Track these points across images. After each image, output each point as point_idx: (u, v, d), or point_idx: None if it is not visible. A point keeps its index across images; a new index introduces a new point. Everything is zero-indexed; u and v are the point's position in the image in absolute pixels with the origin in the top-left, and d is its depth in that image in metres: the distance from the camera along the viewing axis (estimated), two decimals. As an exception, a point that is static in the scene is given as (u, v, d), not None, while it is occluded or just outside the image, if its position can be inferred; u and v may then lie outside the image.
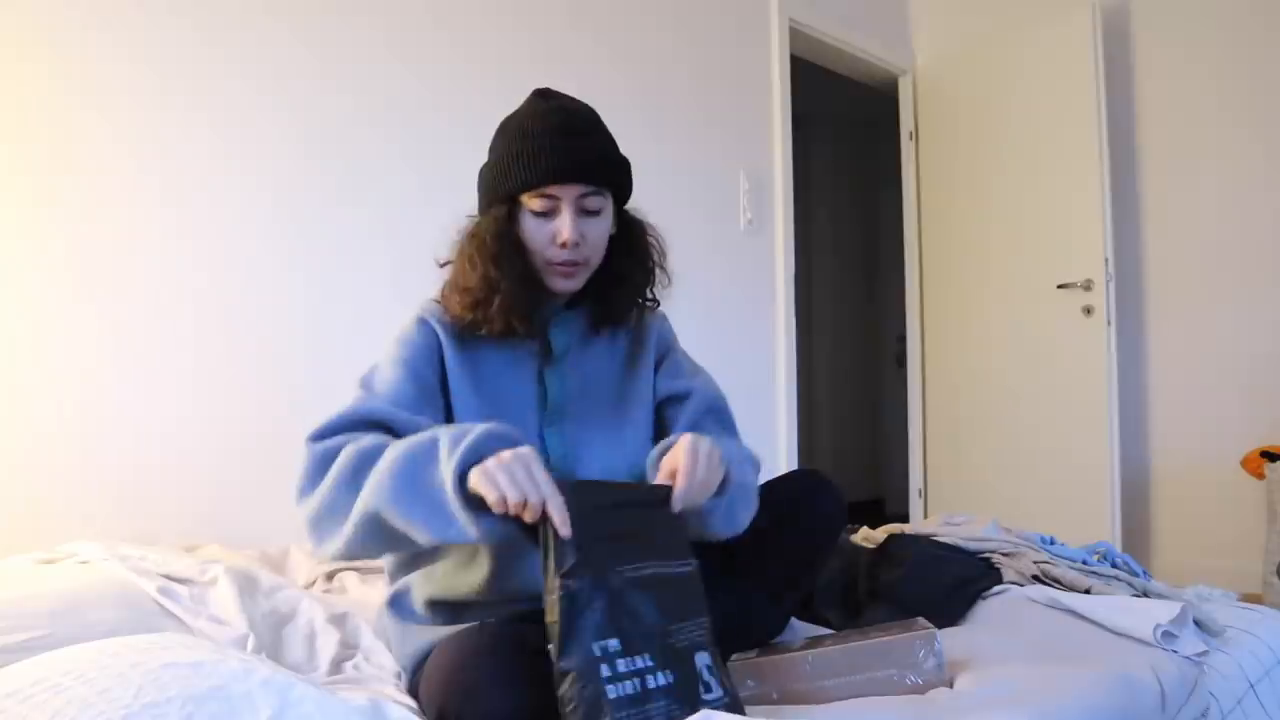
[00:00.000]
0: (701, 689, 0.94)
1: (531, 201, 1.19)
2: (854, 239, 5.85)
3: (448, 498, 0.96)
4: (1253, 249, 3.22)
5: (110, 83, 1.91)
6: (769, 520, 1.25)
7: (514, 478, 0.93)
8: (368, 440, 1.07)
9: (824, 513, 1.30)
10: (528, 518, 0.93)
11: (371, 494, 1.00)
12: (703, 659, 0.96)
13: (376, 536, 1.02)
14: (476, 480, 0.94)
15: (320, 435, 1.13)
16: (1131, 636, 1.31)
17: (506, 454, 0.95)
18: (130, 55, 1.93)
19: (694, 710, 0.91)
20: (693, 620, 0.98)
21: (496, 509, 0.94)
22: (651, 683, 0.90)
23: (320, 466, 1.10)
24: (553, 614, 0.91)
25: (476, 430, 0.99)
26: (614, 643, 0.91)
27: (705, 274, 3.07)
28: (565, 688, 0.89)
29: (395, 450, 1.02)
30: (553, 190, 1.18)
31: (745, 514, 1.18)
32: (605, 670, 0.89)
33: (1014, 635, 1.36)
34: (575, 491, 0.96)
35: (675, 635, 0.95)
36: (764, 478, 1.36)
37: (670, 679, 0.92)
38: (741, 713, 0.97)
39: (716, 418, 1.33)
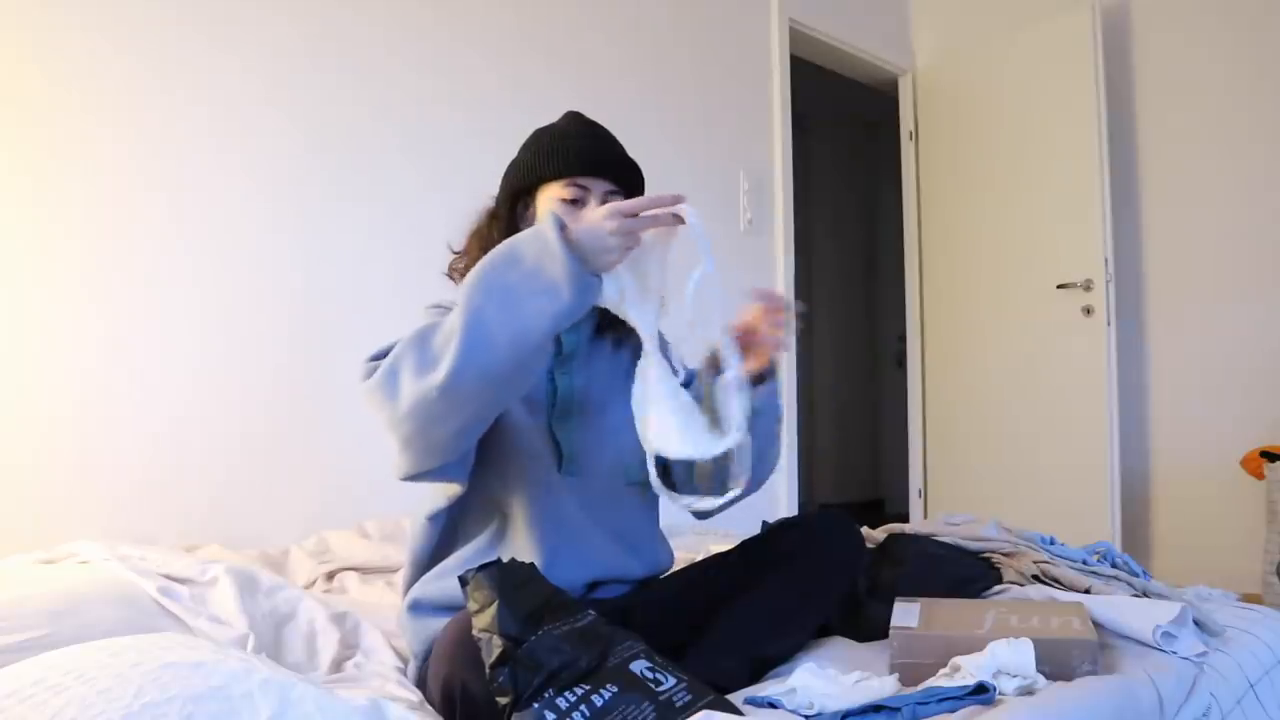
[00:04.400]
0: (653, 685, 0.95)
1: (562, 190, 1.27)
2: (854, 239, 5.85)
3: (554, 253, 1.02)
4: (1253, 249, 3.22)
5: (111, 80, 1.90)
6: (783, 556, 1.28)
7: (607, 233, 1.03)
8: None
9: (841, 553, 1.33)
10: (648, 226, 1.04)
11: (467, 306, 1.04)
12: (639, 665, 0.97)
13: (481, 336, 1.03)
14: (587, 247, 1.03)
15: (374, 356, 1.14)
16: (1131, 637, 1.31)
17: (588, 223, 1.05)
18: (131, 53, 1.93)
19: (654, 703, 0.92)
20: (618, 646, 0.99)
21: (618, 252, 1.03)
22: (599, 700, 0.91)
23: (377, 360, 1.11)
24: (504, 697, 0.92)
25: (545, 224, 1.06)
26: (549, 690, 0.91)
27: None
28: None
29: (474, 272, 1.07)
30: (584, 181, 1.27)
31: (775, 426, 1.29)
32: (550, 716, 0.89)
33: (1014, 635, 1.35)
34: (497, 574, 0.99)
35: (607, 662, 0.96)
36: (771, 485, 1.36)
37: (614, 689, 0.93)
38: (708, 689, 0.99)
39: None
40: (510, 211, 1.32)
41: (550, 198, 1.27)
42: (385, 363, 1.08)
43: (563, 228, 1.04)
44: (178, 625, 1.27)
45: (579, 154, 1.27)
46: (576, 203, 1.27)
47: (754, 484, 1.31)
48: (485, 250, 1.26)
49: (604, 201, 1.26)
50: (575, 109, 1.39)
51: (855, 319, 5.84)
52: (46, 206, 1.82)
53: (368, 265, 2.26)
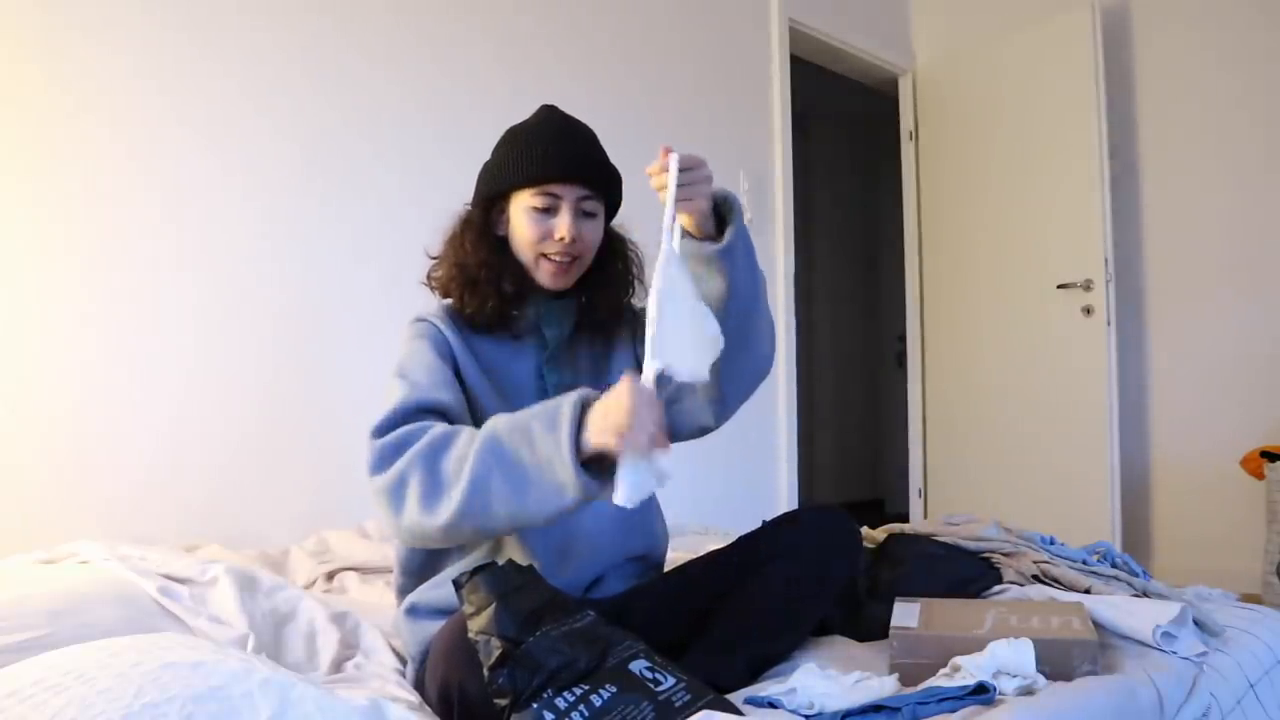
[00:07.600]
0: (652, 685, 0.95)
1: (533, 198, 1.24)
2: (854, 239, 5.85)
3: (564, 459, 1.00)
4: (1253, 249, 3.22)
5: (109, 81, 1.90)
6: (779, 553, 1.27)
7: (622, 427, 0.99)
8: (439, 428, 1.12)
9: (837, 548, 1.32)
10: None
11: (476, 466, 1.05)
12: (639, 665, 0.97)
13: (482, 503, 1.04)
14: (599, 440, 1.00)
15: (382, 430, 1.15)
16: (1131, 637, 1.31)
17: (608, 413, 1.01)
18: (128, 54, 1.93)
19: (654, 703, 0.92)
20: (617, 647, 0.99)
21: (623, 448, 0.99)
22: (598, 700, 0.91)
23: (390, 453, 1.12)
24: (502, 698, 0.91)
25: (569, 401, 1.04)
26: (549, 691, 0.91)
27: (705, 274, 3.07)
28: None
29: (491, 432, 1.08)
30: (555, 189, 1.24)
31: (760, 278, 1.24)
32: (549, 716, 0.89)
33: (1014, 635, 1.35)
34: (493, 577, 0.99)
35: (606, 663, 0.96)
36: (765, 479, 1.36)
37: (613, 689, 0.93)
38: (708, 689, 0.99)
39: None
40: (485, 215, 1.29)
41: (522, 205, 1.25)
42: (396, 470, 1.09)
43: (583, 409, 1.03)
44: (178, 625, 1.27)
45: (549, 159, 1.23)
46: (549, 211, 1.24)
47: (751, 371, 1.27)
48: (459, 257, 1.27)
49: (576, 208, 1.25)
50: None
51: (855, 319, 5.84)
52: (46, 206, 1.82)
53: (360, 269, 2.26)
